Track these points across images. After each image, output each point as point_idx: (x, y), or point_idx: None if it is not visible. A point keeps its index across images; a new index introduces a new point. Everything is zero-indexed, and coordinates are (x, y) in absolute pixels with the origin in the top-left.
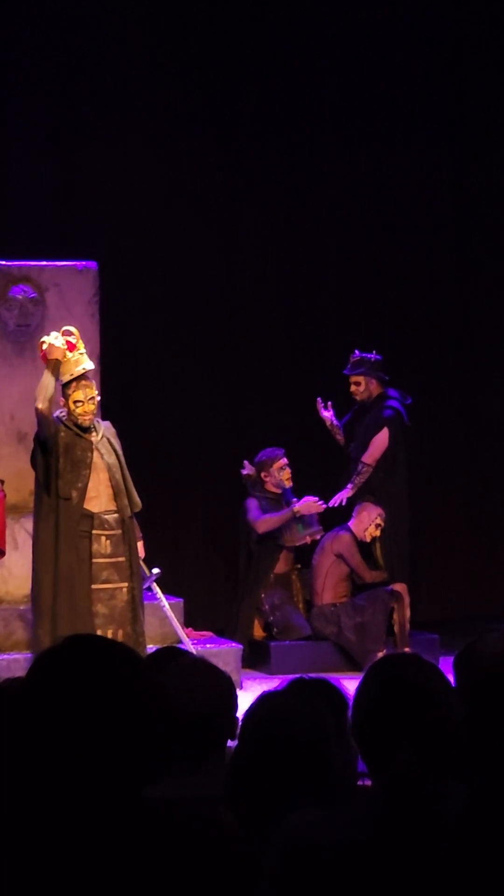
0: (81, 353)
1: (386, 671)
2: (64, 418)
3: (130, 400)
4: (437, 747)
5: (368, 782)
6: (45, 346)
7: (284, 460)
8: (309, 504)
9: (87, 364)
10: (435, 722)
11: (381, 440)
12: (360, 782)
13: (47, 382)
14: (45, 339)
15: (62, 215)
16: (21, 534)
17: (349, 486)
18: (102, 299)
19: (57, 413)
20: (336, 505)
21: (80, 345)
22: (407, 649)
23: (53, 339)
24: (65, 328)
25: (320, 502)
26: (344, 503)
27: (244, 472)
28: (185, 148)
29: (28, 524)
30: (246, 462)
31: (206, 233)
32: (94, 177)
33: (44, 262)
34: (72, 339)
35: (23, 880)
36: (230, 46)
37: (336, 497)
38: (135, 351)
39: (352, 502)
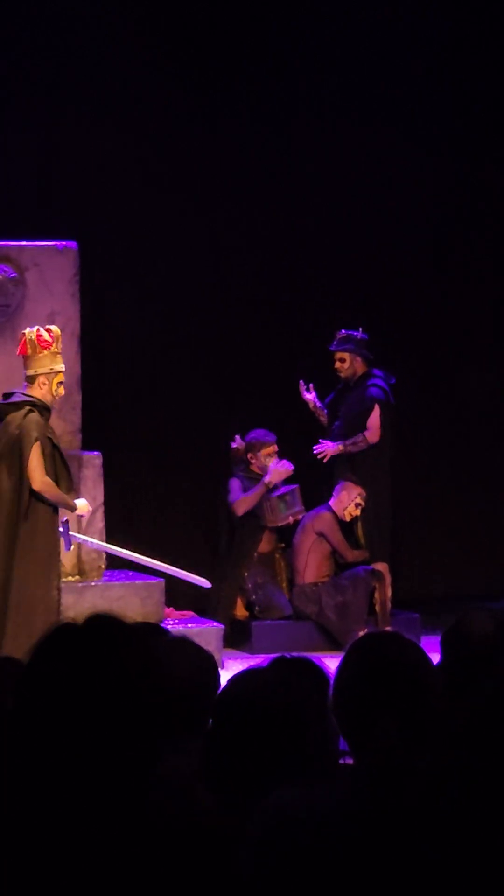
0: (59, 353)
1: (367, 649)
2: (49, 402)
3: (111, 380)
4: (418, 724)
5: (350, 761)
6: (29, 337)
7: (274, 447)
8: (278, 471)
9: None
10: (416, 699)
11: (376, 419)
12: (341, 761)
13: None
14: (27, 330)
15: (42, 195)
16: None
17: (340, 444)
18: (83, 279)
19: (29, 396)
20: (318, 454)
21: (57, 346)
22: (388, 628)
23: (35, 330)
24: (50, 327)
25: (289, 465)
26: (326, 459)
27: (233, 445)
28: (166, 125)
29: None
30: (237, 437)
31: (188, 211)
32: (75, 156)
33: (24, 242)
34: (46, 337)
35: (18, 859)
36: (218, 29)
37: (322, 445)
38: (116, 331)
39: (332, 482)
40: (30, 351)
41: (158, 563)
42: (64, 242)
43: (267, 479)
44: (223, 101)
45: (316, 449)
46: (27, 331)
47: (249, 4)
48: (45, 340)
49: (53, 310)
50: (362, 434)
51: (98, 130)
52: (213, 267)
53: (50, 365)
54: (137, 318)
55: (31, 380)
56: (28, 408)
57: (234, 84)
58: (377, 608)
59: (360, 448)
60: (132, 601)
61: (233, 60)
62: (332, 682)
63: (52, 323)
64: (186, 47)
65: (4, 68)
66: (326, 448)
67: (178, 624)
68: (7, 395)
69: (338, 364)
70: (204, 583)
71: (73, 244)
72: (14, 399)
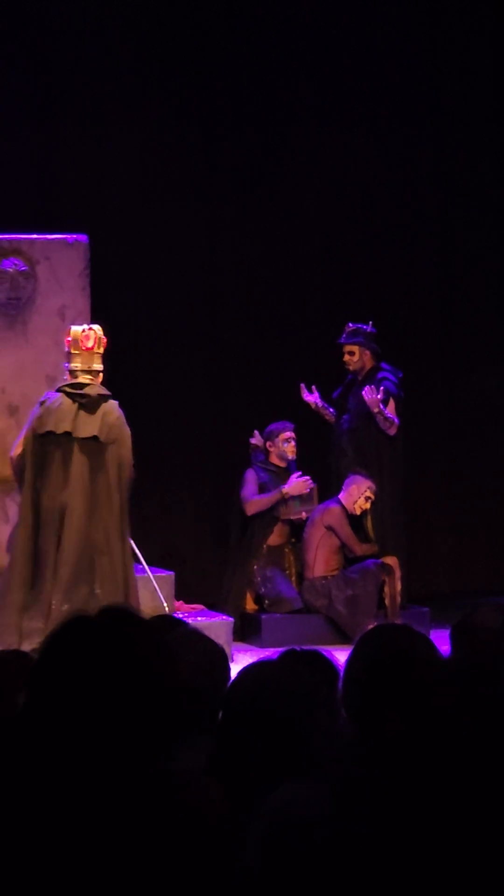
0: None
1: (377, 641)
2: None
3: (120, 372)
4: (427, 717)
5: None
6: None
7: (291, 433)
8: (297, 484)
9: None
10: (425, 692)
11: (393, 412)
12: (349, 753)
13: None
14: (94, 327)
15: (52, 188)
16: (12, 507)
17: (383, 406)
18: (93, 272)
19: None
20: (370, 393)
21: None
22: (398, 622)
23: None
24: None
25: (308, 480)
26: (370, 395)
27: (252, 440)
28: (174, 119)
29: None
30: (256, 431)
31: (197, 205)
32: (84, 149)
33: (34, 236)
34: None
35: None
36: (213, 19)
37: (368, 389)
38: (125, 324)
39: (342, 475)
40: (99, 348)
41: (159, 590)
42: (74, 236)
43: (286, 488)
44: (229, 96)
45: (366, 391)
46: (94, 327)
47: (252, 4)
48: None
49: (64, 303)
50: (395, 420)
51: (107, 124)
52: (223, 261)
53: None
54: (147, 311)
55: (95, 374)
56: (114, 401)
57: (238, 79)
58: (387, 602)
59: (383, 426)
60: (142, 594)
61: (238, 53)
62: (341, 675)
63: (63, 316)
64: (191, 42)
65: (12, 63)
66: (372, 398)
67: (188, 617)
68: (81, 385)
69: (346, 357)
70: None
71: (83, 237)
72: (102, 391)
